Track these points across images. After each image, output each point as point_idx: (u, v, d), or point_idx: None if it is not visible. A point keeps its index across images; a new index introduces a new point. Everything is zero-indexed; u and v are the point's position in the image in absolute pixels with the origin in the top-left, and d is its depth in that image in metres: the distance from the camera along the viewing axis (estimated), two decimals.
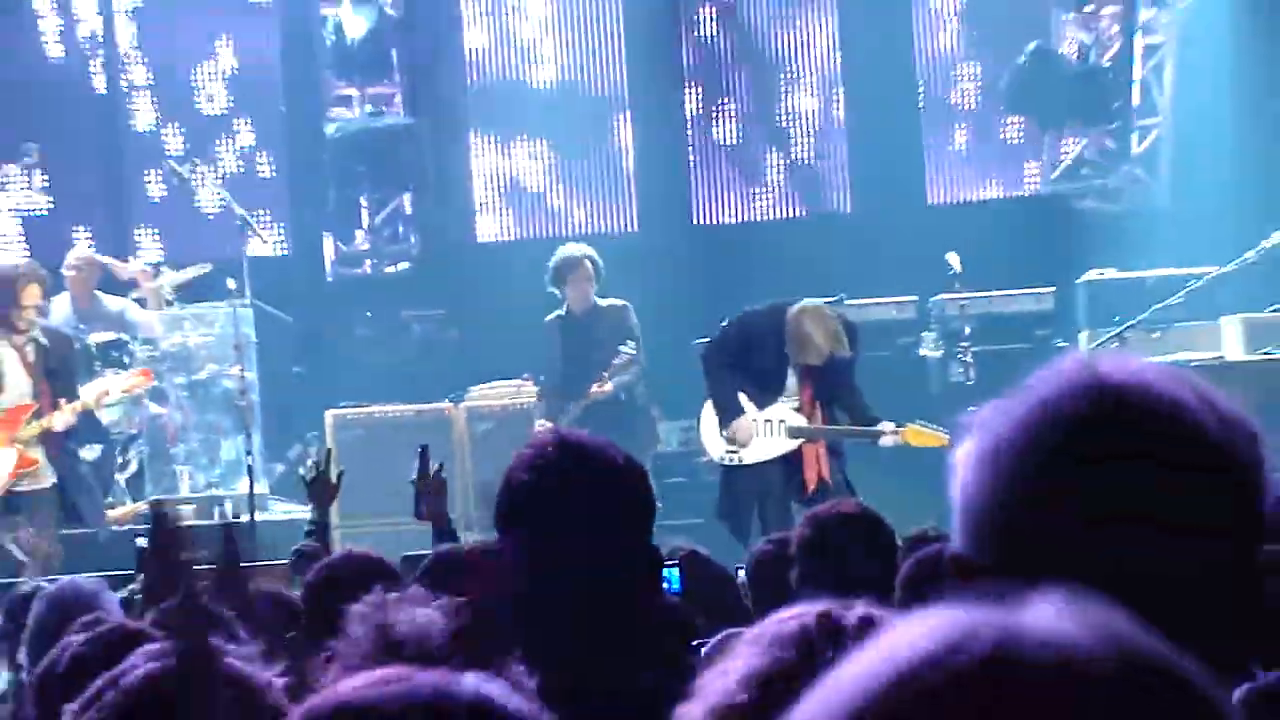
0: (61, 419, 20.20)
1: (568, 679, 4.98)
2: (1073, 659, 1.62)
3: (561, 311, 22.16)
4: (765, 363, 20.02)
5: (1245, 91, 24.53)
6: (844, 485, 19.29)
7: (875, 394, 20.48)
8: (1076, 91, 25.68)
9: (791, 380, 19.81)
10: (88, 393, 20.74)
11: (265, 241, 25.27)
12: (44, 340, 20.73)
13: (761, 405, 19.92)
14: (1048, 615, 1.67)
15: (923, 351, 23.03)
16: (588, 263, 21.76)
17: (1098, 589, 2.27)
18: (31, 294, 20.80)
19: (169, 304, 23.60)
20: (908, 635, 1.67)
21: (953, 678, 1.60)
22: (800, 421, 19.62)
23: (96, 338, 22.45)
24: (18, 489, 20.01)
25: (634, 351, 21.82)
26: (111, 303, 23.20)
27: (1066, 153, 26.15)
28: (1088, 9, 26.03)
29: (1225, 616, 2.87)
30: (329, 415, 22.14)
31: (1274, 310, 22.04)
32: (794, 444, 19.58)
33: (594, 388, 21.75)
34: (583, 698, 5.21)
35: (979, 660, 1.59)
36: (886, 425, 19.62)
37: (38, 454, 20.14)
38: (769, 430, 19.88)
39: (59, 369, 20.70)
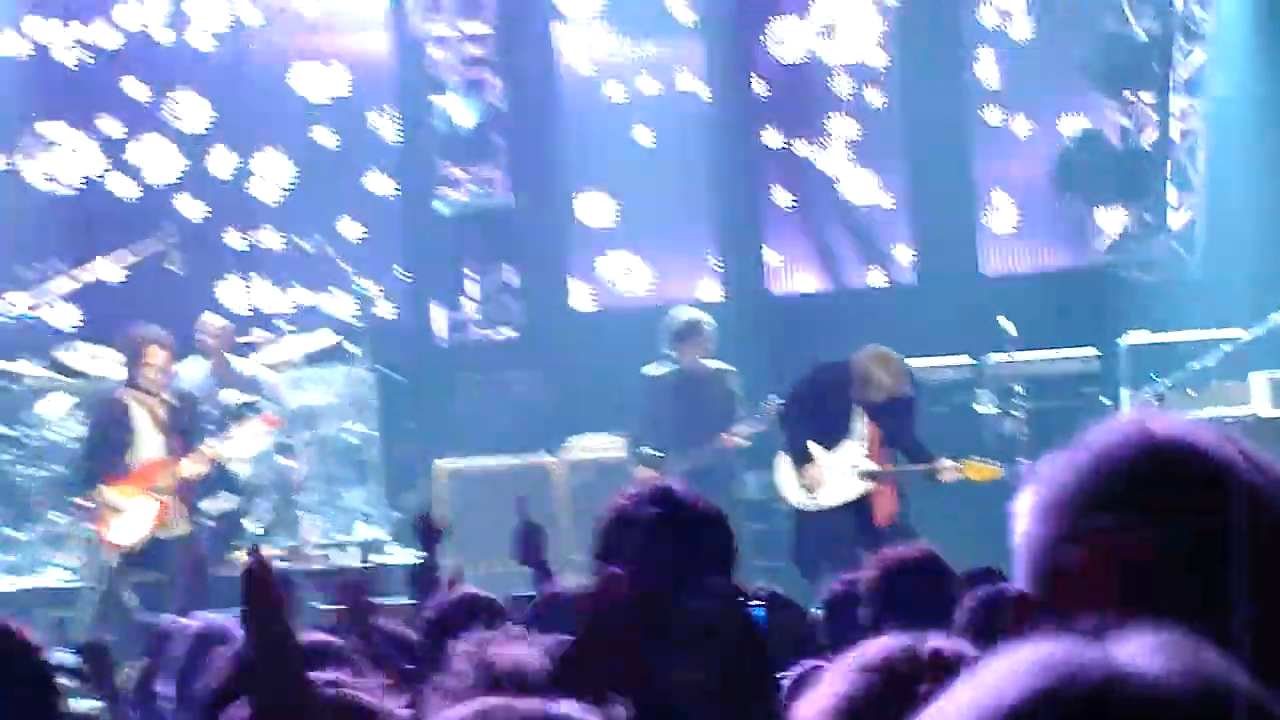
0: (192, 467, 20.65)
1: (663, 708, 5.64)
2: (1170, 691, 1.81)
3: (668, 369, 22.27)
4: (835, 409, 20.40)
5: (1272, 173, 24.14)
6: (908, 523, 19.78)
7: (934, 447, 20.81)
8: (1119, 172, 25.71)
9: (860, 426, 20.22)
10: (217, 446, 21.15)
11: (382, 310, 25.78)
12: (173, 400, 21.01)
13: (832, 450, 20.27)
14: (1143, 651, 1.86)
15: (978, 408, 22.90)
16: (706, 327, 22.01)
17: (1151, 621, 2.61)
18: (154, 355, 21.18)
19: (295, 366, 24.08)
20: (1012, 670, 1.87)
21: (1064, 710, 1.80)
22: (870, 465, 19.92)
23: (231, 398, 22.53)
24: (158, 535, 20.32)
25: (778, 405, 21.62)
26: (243, 366, 23.29)
27: (1109, 227, 26.16)
28: (1126, 94, 26.01)
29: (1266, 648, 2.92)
30: (438, 465, 22.49)
31: None
32: (865, 486, 19.90)
33: (727, 438, 21.86)
34: None
35: (1087, 695, 1.80)
36: (946, 461, 20.09)
37: (172, 503, 20.43)
38: (841, 475, 20.05)
39: (189, 428, 20.92)
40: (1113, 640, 1.86)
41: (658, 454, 21.97)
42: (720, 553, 6.94)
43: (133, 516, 20.44)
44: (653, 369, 22.31)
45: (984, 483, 20.13)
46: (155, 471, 20.59)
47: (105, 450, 21.01)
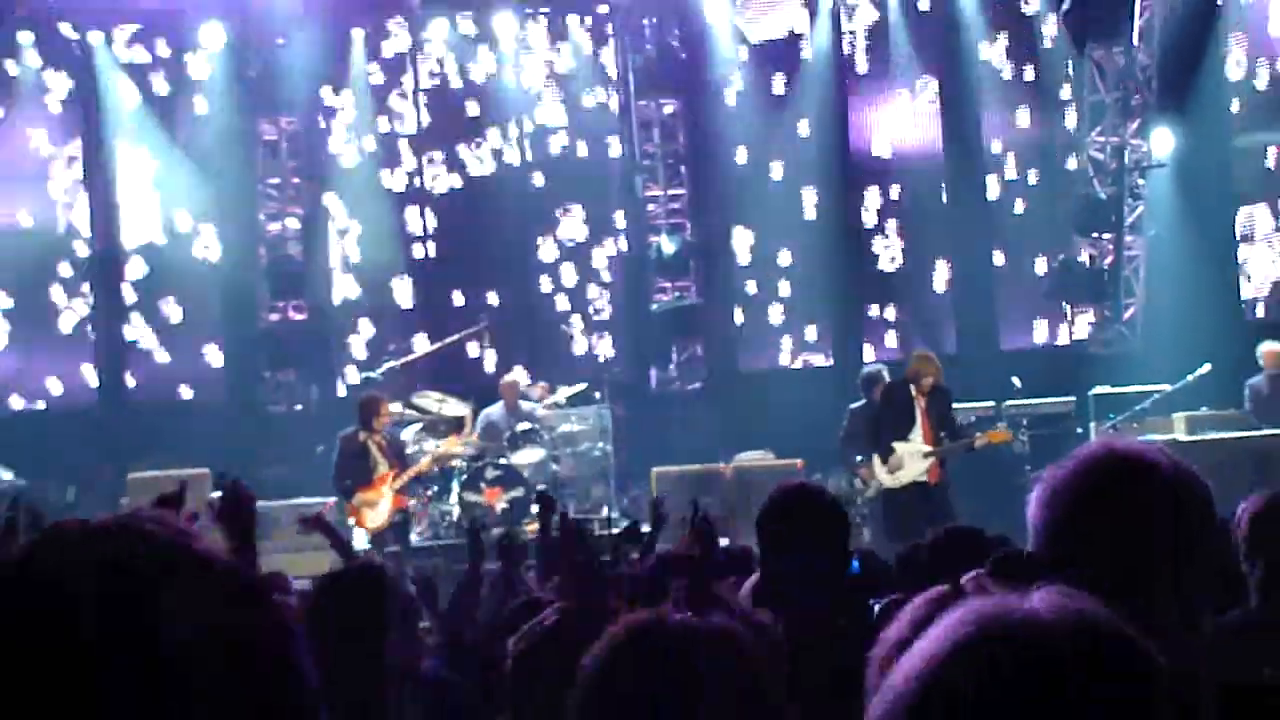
0: (404, 479, 22.26)
1: (804, 622, 6.36)
2: (1043, 626, 2.07)
3: (863, 404, 22.57)
4: (903, 412, 21.22)
5: (1186, 287, 26.13)
6: (948, 483, 21.03)
7: (970, 459, 22.10)
8: (1089, 285, 27.53)
9: (919, 419, 21.16)
10: (432, 455, 23.21)
11: (616, 370, 27.76)
12: (389, 438, 22.59)
13: (905, 441, 21.15)
14: (1044, 601, 2.12)
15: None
16: (885, 374, 22.74)
17: (1108, 571, 3.64)
18: (386, 410, 22.75)
19: (560, 406, 25.75)
20: (959, 617, 2.15)
21: (989, 639, 2.07)
22: (927, 448, 20.95)
23: (520, 427, 24.17)
24: (394, 521, 21.91)
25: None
26: (527, 406, 24.94)
27: (1082, 319, 27.92)
28: (1094, 235, 27.42)
29: (1183, 585, 3.88)
30: (654, 471, 23.75)
31: (1203, 410, 23.54)
32: (927, 463, 20.82)
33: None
34: (811, 630, 6.29)
35: (1003, 630, 2.07)
36: (977, 434, 21.68)
37: (396, 499, 22.07)
38: (912, 458, 20.94)
39: (405, 455, 22.67)
40: (1027, 595, 2.18)
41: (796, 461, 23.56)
42: (839, 527, 7.75)
43: (377, 510, 21.82)
44: (855, 406, 22.89)
45: (1001, 444, 22.17)
46: (385, 482, 21.88)
47: (352, 470, 21.96)
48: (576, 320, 29.28)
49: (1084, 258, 27.45)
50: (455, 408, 24.64)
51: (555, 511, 6.55)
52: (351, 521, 20.98)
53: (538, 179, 29.11)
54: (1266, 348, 22.46)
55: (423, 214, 29.19)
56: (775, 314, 29.09)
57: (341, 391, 28.24)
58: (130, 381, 28.29)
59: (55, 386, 28.07)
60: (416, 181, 29.16)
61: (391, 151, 29.16)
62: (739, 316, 29.11)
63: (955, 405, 22.50)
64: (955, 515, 18.48)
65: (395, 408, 24.41)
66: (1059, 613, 2.02)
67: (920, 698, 1.99)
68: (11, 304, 28.15)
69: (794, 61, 28.92)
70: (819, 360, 29.11)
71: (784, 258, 28.96)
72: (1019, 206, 28.86)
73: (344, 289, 29.05)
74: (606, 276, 29.33)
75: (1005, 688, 1.96)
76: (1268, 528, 6.87)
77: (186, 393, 28.10)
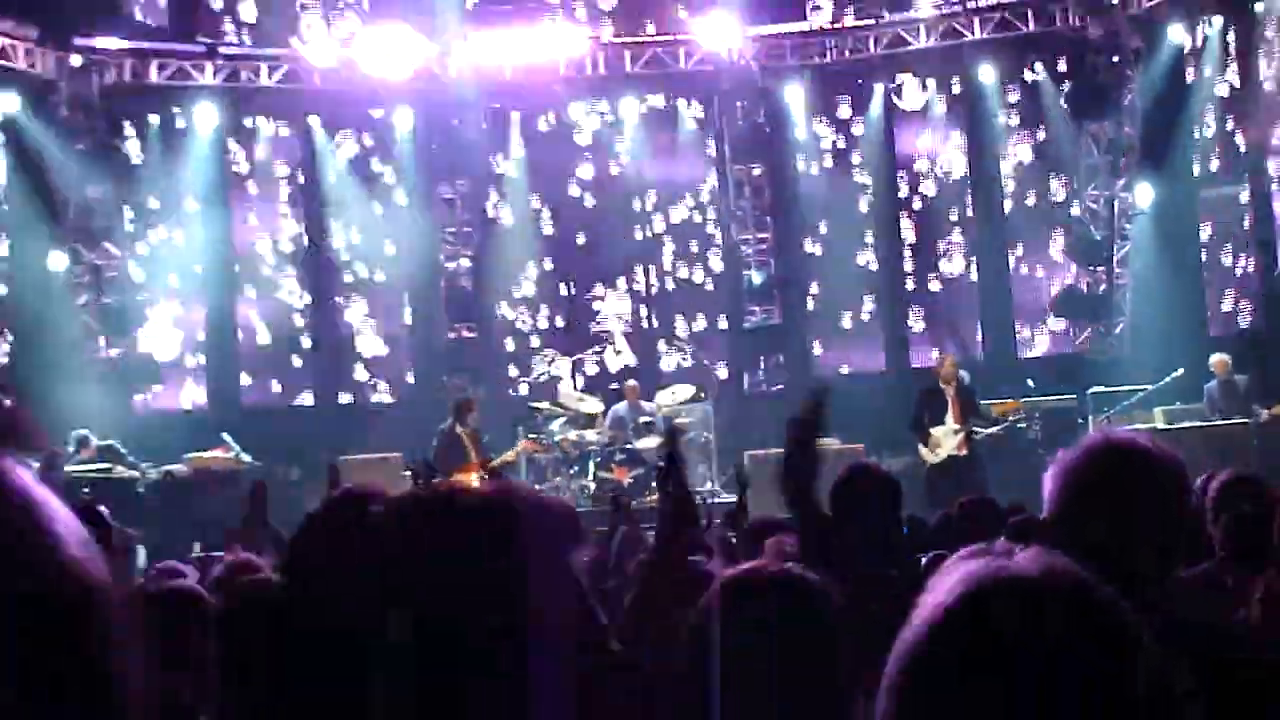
0: (503, 460, 22.67)
1: (867, 577, 5.96)
2: (1042, 582, 1.96)
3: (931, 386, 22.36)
4: (937, 403, 21.81)
5: (1162, 309, 26.17)
6: (977, 461, 21.38)
7: (994, 445, 22.75)
8: (1087, 306, 27.62)
9: (950, 406, 21.66)
10: (510, 454, 23.21)
11: (720, 375, 28.94)
12: (477, 432, 22.69)
13: (940, 424, 21.63)
14: (1030, 561, 2.00)
15: (1019, 426, 23.81)
16: (949, 365, 22.65)
17: (1105, 531, 3.80)
18: (473, 409, 22.93)
19: (673, 405, 25.55)
20: (959, 573, 2.02)
21: (981, 594, 1.96)
22: (957, 426, 21.48)
23: (642, 419, 24.57)
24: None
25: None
26: (648, 405, 25.10)
27: (1082, 333, 27.84)
28: (1090, 267, 27.48)
29: (1163, 541, 3.97)
30: (745, 454, 23.06)
31: (1176, 405, 22.95)
32: (958, 438, 21.32)
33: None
34: (872, 582, 5.85)
35: (994, 586, 1.95)
36: (992, 410, 22.12)
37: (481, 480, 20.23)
38: (947, 437, 21.53)
39: (488, 451, 22.52)
40: (1016, 556, 2.03)
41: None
42: (894, 495, 7.79)
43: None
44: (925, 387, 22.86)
45: (1013, 412, 22.96)
46: (472, 469, 21.58)
47: (447, 455, 21.89)
48: (690, 335, 29.89)
49: (1083, 285, 27.75)
50: (591, 405, 25.32)
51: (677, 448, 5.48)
52: None
53: (658, 224, 29.95)
54: (1216, 358, 22.62)
55: (559, 256, 30.00)
56: (839, 330, 29.45)
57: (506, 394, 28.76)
58: (341, 394, 29.25)
59: (289, 395, 28.97)
60: (556, 231, 30.02)
61: (528, 199, 29.87)
62: (810, 333, 29.52)
63: (985, 400, 23.02)
64: (985, 485, 18.97)
65: (546, 404, 25.52)
66: (1042, 570, 1.98)
67: (927, 643, 1.96)
68: (269, 339, 29.03)
69: (852, 136, 29.39)
70: (875, 366, 29.16)
71: (846, 287, 29.42)
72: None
73: (505, 313, 29.73)
74: (717, 307, 29.89)
75: (996, 632, 1.91)
76: (1231, 496, 7.20)
77: (385, 396, 29.14)
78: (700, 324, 30.03)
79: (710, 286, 30.10)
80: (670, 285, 30.09)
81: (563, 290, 30.05)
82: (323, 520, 3.85)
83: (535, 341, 29.74)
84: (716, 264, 30.04)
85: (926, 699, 1.93)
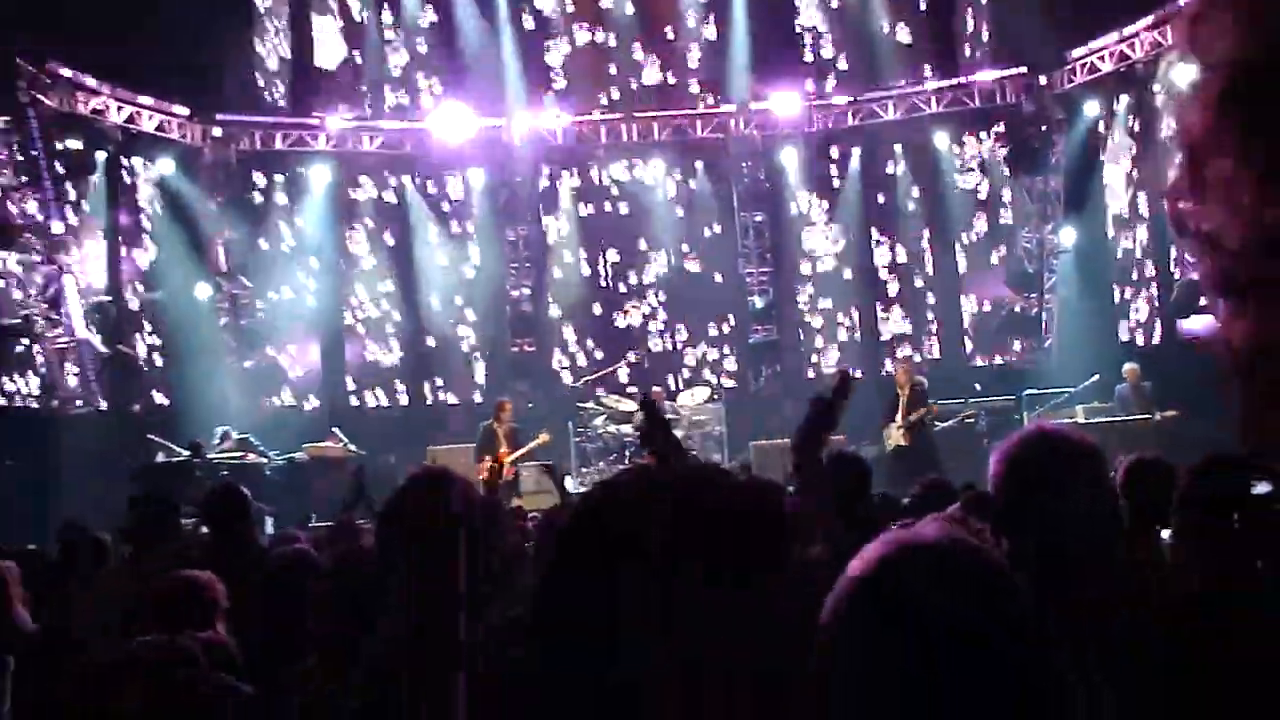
0: (524, 451, 21.68)
1: (845, 549, 3.67)
2: (939, 545, 1.89)
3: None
4: (890, 402, 21.50)
5: (1081, 328, 25.80)
6: (923, 449, 20.70)
7: (949, 436, 22.34)
8: (1022, 325, 27.28)
9: (899, 408, 21.27)
10: (530, 445, 22.04)
11: (727, 381, 28.39)
12: (510, 428, 22.07)
13: (894, 419, 21.20)
14: (935, 530, 1.93)
15: (968, 421, 23.44)
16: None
17: (1037, 504, 3.70)
18: (507, 409, 22.34)
19: (694, 405, 25.50)
20: (880, 542, 1.95)
21: (894, 557, 1.89)
22: (905, 421, 21.05)
23: (667, 416, 25.14)
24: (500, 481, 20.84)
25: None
26: (670, 405, 24.31)
27: (1018, 347, 27.37)
28: (1023, 294, 27.23)
29: (1082, 509, 3.77)
30: (751, 444, 23.03)
31: (1094, 404, 22.42)
32: (900, 433, 20.99)
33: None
34: (849, 554, 3.45)
35: (903, 550, 1.88)
36: (924, 409, 21.29)
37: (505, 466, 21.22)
38: (899, 430, 21.10)
39: (519, 439, 21.72)
40: (925, 526, 1.96)
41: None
42: (864, 476, 7.56)
43: (494, 470, 20.80)
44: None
45: (931, 415, 21.81)
46: (505, 456, 21.26)
47: (487, 448, 21.63)
48: (705, 349, 29.50)
49: (1018, 308, 27.49)
50: (626, 404, 24.69)
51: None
52: (481, 478, 20.44)
53: (680, 260, 29.55)
54: (1128, 367, 22.35)
55: (599, 285, 29.53)
56: (822, 343, 29.13)
57: (556, 395, 28.23)
58: (428, 396, 28.98)
59: (381, 398, 28.74)
60: (598, 265, 29.60)
61: (582, 243, 29.57)
62: (802, 345, 29.16)
63: (943, 400, 23.01)
64: (937, 467, 18.33)
65: (591, 404, 25.36)
66: (941, 535, 1.90)
67: (847, 600, 1.88)
68: (370, 351, 28.91)
69: (833, 191, 29.01)
70: (854, 373, 28.02)
71: (827, 307, 29.18)
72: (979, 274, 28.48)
73: (557, 330, 29.41)
74: (727, 325, 29.51)
75: (900, 587, 1.84)
76: (1136, 477, 6.85)
77: (457, 398, 28.73)
78: (714, 335, 29.64)
79: (722, 309, 29.67)
80: (689, 309, 29.59)
81: (597, 310, 29.76)
82: (403, 494, 3.92)
83: (581, 356, 29.41)
84: (726, 291, 29.52)
85: (846, 650, 1.87)
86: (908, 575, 1.87)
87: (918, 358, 27.72)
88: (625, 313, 29.54)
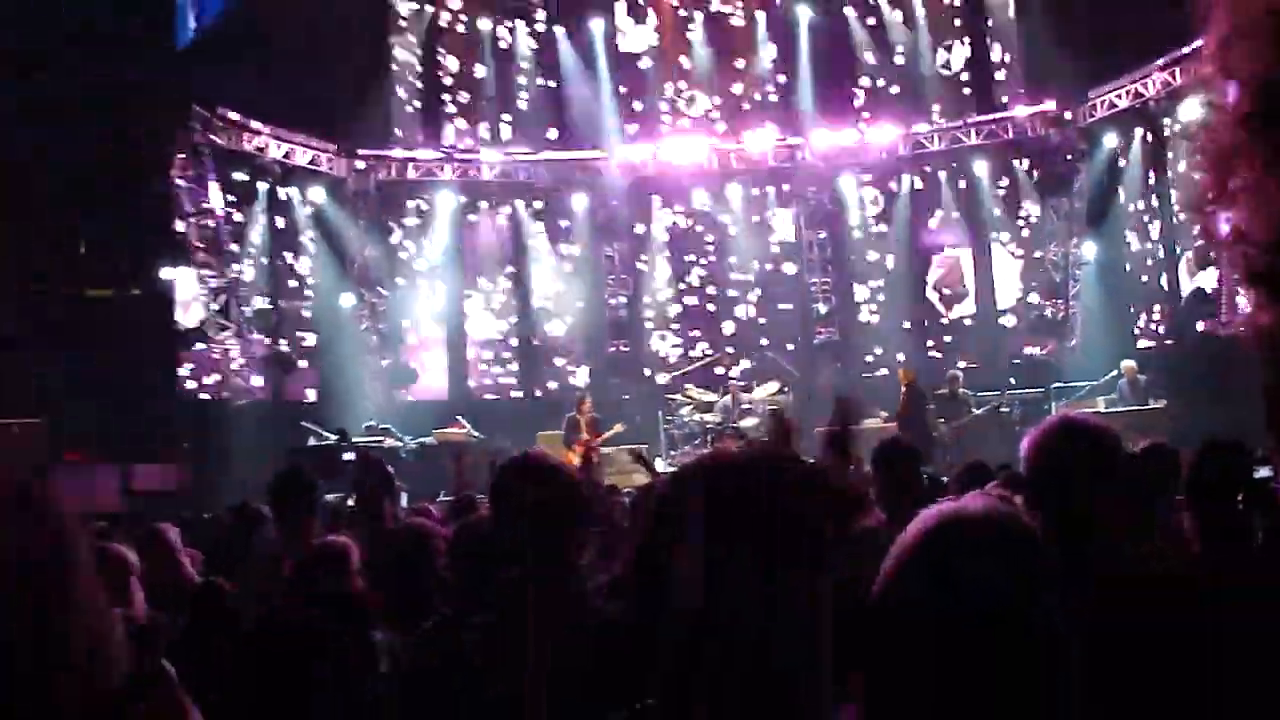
0: (604, 438, 21.60)
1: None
2: (987, 516, 1.83)
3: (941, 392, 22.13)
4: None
5: (1102, 331, 25.49)
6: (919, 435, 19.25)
7: (986, 423, 21.80)
8: (1051, 326, 26.66)
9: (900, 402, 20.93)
10: (608, 433, 21.93)
11: (796, 375, 27.04)
12: (591, 417, 21.94)
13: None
14: (980, 502, 1.88)
15: (1003, 411, 22.77)
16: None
17: (1061, 482, 3.52)
18: (587, 405, 22.28)
19: (766, 397, 24.69)
20: (930, 512, 1.90)
21: (943, 527, 1.85)
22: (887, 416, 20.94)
23: (743, 407, 23.95)
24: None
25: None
26: (746, 396, 24.41)
27: (1049, 346, 26.73)
28: (1053, 299, 26.70)
29: (1104, 490, 3.62)
30: (816, 431, 19.87)
31: (1113, 395, 22.06)
32: (894, 425, 20.23)
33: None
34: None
35: (948, 521, 1.84)
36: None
37: (589, 451, 21.23)
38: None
39: (600, 426, 21.67)
40: (971, 499, 1.90)
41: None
42: (916, 458, 7.14)
43: (576, 456, 20.52)
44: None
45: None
46: (582, 444, 21.11)
47: (572, 434, 21.42)
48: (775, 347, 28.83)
49: (1048, 313, 27.08)
50: (709, 396, 24.74)
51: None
52: (573, 460, 19.94)
53: (755, 270, 29.26)
54: (1126, 364, 22.23)
55: (685, 294, 29.44)
56: (876, 343, 28.64)
57: (649, 389, 27.93)
58: (538, 389, 28.85)
59: (500, 391, 28.71)
60: (683, 277, 29.48)
61: (669, 257, 29.52)
62: (860, 345, 28.69)
63: (981, 392, 22.99)
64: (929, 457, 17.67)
65: (679, 396, 25.12)
66: (986, 507, 1.85)
67: (899, 563, 1.83)
68: (489, 350, 28.81)
69: (885, 211, 28.71)
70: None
71: (882, 313, 28.75)
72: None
73: (649, 333, 29.36)
74: (795, 328, 29.21)
75: (949, 551, 1.80)
76: (1150, 458, 6.47)
77: (562, 391, 28.17)
78: (784, 337, 29.34)
79: (790, 313, 29.53)
80: (761, 313, 29.53)
81: (681, 312, 29.71)
82: (506, 471, 3.89)
83: (673, 356, 29.27)
84: (794, 297, 29.41)
85: (900, 608, 1.81)
86: (955, 540, 1.82)
87: (958, 357, 27.05)
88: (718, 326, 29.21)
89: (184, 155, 23.07)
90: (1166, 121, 24.13)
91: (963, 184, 28.32)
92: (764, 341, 29.08)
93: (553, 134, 28.92)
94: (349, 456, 19.92)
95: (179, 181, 23.12)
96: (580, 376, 28.91)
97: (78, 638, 1.37)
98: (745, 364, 28.46)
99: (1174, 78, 23.53)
